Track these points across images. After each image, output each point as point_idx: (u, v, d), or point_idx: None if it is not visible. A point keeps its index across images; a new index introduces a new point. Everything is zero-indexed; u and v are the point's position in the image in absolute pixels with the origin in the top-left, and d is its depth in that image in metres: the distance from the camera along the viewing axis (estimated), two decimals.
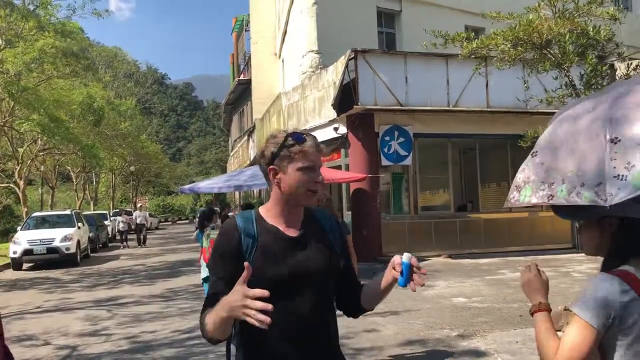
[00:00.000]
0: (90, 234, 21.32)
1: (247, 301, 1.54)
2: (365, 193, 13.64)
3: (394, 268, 1.86)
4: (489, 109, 14.21)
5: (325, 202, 5.82)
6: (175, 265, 16.08)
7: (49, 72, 20.39)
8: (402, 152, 13.88)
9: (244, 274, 1.60)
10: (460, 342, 6.59)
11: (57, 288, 12.63)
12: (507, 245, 14.69)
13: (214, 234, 7.38)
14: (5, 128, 20.03)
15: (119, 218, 25.62)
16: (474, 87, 13.99)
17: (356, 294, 2.08)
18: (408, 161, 14.01)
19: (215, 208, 9.25)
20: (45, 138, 20.61)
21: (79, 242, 18.07)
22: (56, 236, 17.31)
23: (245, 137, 26.95)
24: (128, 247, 23.58)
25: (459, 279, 11.21)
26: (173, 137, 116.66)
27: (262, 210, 1.96)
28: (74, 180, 36.91)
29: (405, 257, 1.80)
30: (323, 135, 15.04)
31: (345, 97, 13.34)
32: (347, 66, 13.04)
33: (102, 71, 40.97)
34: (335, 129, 13.98)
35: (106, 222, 27.53)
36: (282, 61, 24.43)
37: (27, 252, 16.84)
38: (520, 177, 1.70)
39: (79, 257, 17.88)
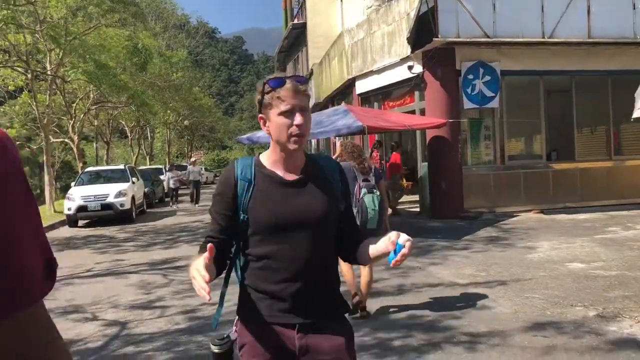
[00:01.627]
0: (146, 189, 20.58)
1: (196, 274, 1.66)
2: (445, 141, 11.99)
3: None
4: (590, 40, 12.13)
5: (350, 149, 5.68)
6: None
7: (96, 21, 19.32)
8: (488, 93, 12.06)
9: (207, 254, 1.69)
10: (605, 327, 5.06)
11: (110, 247, 11.76)
12: (607, 198, 12.82)
13: None
14: (57, 81, 19.25)
15: (168, 174, 23.11)
16: (573, 14, 11.95)
17: (353, 243, 2.02)
18: (494, 103, 12.20)
19: None
20: (94, 89, 19.74)
21: (133, 197, 17.28)
22: (110, 192, 16.53)
23: None
24: (178, 206, 21.28)
25: (563, 238, 9.55)
26: (225, 92, 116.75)
27: (262, 156, 1.97)
28: (129, 135, 36.55)
29: (402, 239, 1.75)
30: (393, 76, 13.38)
31: (422, 30, 11.58)
32: None
33: (152, 23, 39.90)
34: (410, 68, 12.26)
35: (162, 177, 26.77)
36: (341, 0, 22.53)
37: (82, 209, 16.17)
38: None
39: (134, 213, 17.12)
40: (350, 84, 15.57)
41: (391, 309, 5.81)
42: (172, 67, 30.37)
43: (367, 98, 14.83)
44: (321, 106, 19.90)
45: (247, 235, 1.91)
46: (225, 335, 2.02)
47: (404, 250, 1.69)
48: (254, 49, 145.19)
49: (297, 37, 28.63)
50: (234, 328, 2.02)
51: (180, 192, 23.49)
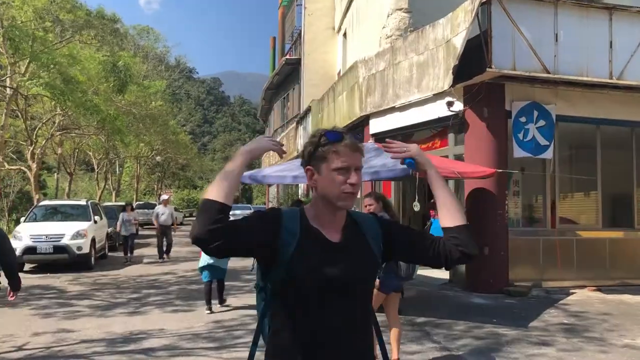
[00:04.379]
0: (109, 229, 17.73)
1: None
2: (489, 196, 9.77)
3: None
4: None
5: (381, 205, 5.59)
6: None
7: (70, 35, 16.93)
8: (542, 141, 9.97)
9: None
10: None
11: (57, 308, 8.99)
12: None
13: None
14: (17, 100, 16.63)
15: (122, 215, 16.19)
16: None
17: (437, 244, 1.87)
18: (548, 154, 10.09)
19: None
20: (60, 112, 17.10)
21: (94, 239, 14.51)
22: (66, 232, 13.78)
23: (293, 125, 23.24)
24: (129, 260, 15.71)
25: None
26: (199, 132, 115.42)
27: (306, 209, 1.86)
28: (96, 167, 33.66)
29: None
30: (421, 114, 11.25)
31: (466, 60, 9.51)
32: (477, 14, 9.17)
33: (132, 51, 37.63)
34: (449, 104, 10.11)
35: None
36: (344, 35, 20.68)
37: (29, 250, 13.32)
38: None
39: (93, 258, 14.32)
40: (361, 123, 13.39)
41: None
42: (150, 97, 27.92)
43: (383, 140, 12.58)
44: None
45: (282, 296, 1.78)
46: None
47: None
48: (231, 92, 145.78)
49: (288, 74, 26.63)
50: None
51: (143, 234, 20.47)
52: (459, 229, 1.85)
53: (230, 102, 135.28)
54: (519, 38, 9.42)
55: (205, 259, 8.53)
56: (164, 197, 17.25)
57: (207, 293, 8.58)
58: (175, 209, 39.67)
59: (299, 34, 24.99)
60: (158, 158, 40.81)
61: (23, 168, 22.48)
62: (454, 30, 9.89)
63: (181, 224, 40.57)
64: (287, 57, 26.39)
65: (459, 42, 9.52)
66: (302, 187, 22.42)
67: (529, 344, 6.55)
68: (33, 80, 12.91)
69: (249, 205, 46.70)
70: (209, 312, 8.44)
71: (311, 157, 1.79)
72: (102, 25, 17.53)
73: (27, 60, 13.89)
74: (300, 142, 20.96)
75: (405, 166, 1.91)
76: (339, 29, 21.76)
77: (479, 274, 9.67)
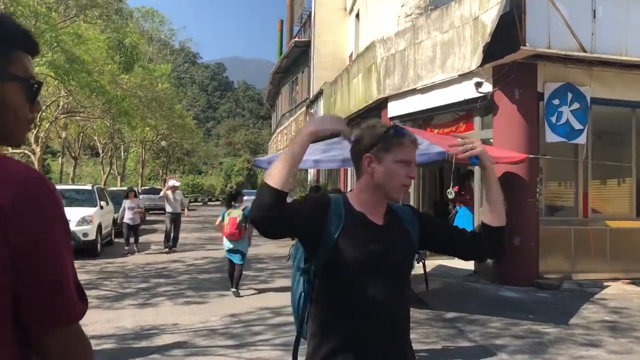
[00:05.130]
0: (115, 215, 17.23)
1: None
2: (520, 182, 9.20)
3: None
4: None
5: None
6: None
7: (74, 15, 16.30)
8: (577, 125, 9.37)
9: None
10: None
11: None
12: None
13: (235, 213, 8.40)
14: None
15: (126, 203, 14.77)
16: None
17: (471, 236, 1.99)
18: (582, 139, 9.50)
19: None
20: (64, 95, 16.51)
21: (100, 226, 14.04)
22: (72, 218, 13.20)
23: (302, 109, 22.62)
24: (136, 251, 14.45)
25: None
26: (203, 117, 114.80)
27: (349, 195, 1.94)
28: (101, 152, 33.14)
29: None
30: (445, 96, 10.65)
31: (496, 38, 8.90)
32: None
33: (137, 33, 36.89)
34: (478, 85, 9.51)
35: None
36: (356, 16, 19.97)
37: None
38: None
39: (99, 245, 13.85)
40: (379, 106, 12.80)
41: None
42: (156, 80, 27.30)
43: (403, 123, 12.01)
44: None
45: (326, 277, 1.83)
46: None
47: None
48: (235, 77, 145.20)
49: (298, 57, 25.95)
50: None
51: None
52: (500, 230, 1.95)
53: (234, 87, 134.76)
54: (555, 15, 8.78)
55: (226, 244, 8.67)
56: (175, 183, 15.72)
57: (230, 275, 8.88)
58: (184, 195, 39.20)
59: (309, 16, 24.30)
60: (163, 143, 40.22)
61: (27, 152, 21.96)
62: (483, 6, 9.28)
63: (187, 209, 40.16)
64: (297, 39, 25.71)
65: (488, 19, 8.92)
66: (311, 172, 21.89)
67: (575, 344, 6.03)
68: (36, 58, 12.32)
69: (254, 190, 46.11)
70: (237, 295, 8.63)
71: (373, 145, 1.83)
72: (107, 4, 16.87)
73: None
74: None
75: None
76: (351, 9, 21.04)
77: (507, 265, 9.13)
